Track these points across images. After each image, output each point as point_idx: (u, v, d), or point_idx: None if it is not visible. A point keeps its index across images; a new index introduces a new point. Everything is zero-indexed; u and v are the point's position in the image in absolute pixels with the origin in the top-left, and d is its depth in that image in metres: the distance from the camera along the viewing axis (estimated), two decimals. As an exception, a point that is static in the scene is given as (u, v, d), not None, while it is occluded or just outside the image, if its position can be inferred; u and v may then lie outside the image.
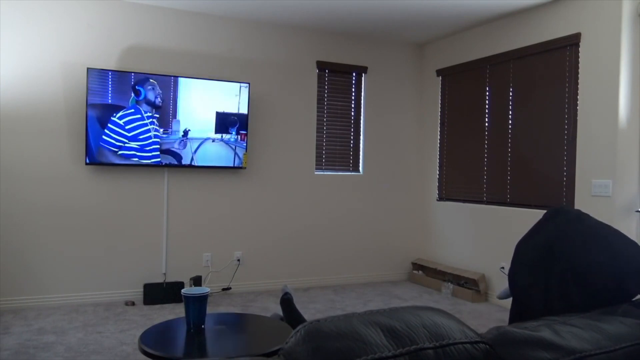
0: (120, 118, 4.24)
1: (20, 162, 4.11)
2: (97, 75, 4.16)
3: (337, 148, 5.36)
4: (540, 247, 1.32)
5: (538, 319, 1.07)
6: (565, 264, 1.21)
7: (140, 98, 4.27)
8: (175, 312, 4.08)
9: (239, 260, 4.86)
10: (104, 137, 4.21)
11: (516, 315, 1.44)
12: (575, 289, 1.18)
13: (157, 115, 4.35)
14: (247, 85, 4.67)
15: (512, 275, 1.39)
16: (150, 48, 4.50)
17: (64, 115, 4.23)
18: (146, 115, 4.30)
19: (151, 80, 4.32)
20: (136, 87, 4.26)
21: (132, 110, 4.26)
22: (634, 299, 1.17)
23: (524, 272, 1.35)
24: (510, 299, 1.42)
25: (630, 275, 1.14)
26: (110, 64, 4.36)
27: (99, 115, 4.17)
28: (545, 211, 1.42)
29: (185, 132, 4.43)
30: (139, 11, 4.46)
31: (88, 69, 4.12)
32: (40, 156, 4.17)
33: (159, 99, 4.33)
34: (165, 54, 4.56)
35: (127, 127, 4.26)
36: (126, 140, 4.27)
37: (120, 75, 4.23)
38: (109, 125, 4.21)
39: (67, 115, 4.24)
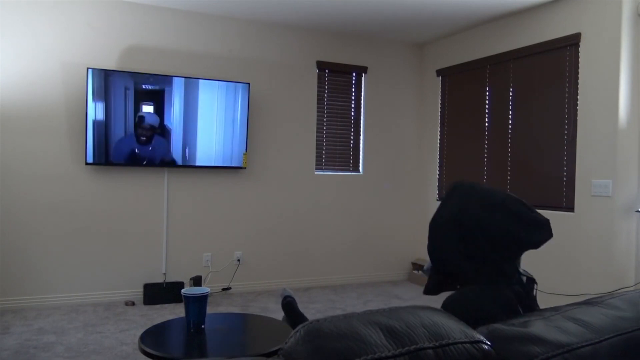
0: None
1: (20, 161, 4.11)
2: (97, 75, 4.16)
3: (337, 148, 5.36)
4: (448, 219, 1.55)
5: (523, 316, 1.11)
6: (470, 223, 1.49)
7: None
8: (175, 312, 4.08)
9: (239, 260, 4.86)
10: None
11: (437, 285, 1.62)
12: (483, 242, 1.46)
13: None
14: (247, 85, 4.68)
15: (431, 250, 1.61)
16: (151, 48, 4.50)
17: (64, 115, 4.23)
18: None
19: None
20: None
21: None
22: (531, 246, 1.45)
23: (440, 244, 1.57)
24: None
25: (520, 227, 1.45)
26: (110, 64, 4.36)
27: (99, 115, 4.17)
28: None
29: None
30: (139, 11, 4.46)
31: (88, 69, 4.12)
32: (41, 156, 4.17)
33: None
34: (165, 53, 4.56)
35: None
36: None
37: (120, 75, 4.23)
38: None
39: (67, 115, 4.24)
